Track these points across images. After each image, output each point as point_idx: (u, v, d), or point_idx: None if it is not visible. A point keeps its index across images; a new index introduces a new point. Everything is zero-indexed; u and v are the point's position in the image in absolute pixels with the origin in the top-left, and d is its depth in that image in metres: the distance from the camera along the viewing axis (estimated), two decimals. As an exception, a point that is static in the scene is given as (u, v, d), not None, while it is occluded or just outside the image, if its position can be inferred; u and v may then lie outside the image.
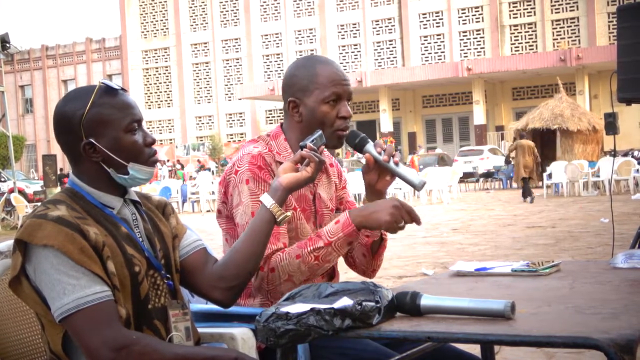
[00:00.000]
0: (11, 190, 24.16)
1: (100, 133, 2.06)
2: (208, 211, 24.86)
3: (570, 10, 46.35)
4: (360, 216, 2.37)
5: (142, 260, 2.08)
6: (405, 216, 2.32)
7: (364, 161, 2.53)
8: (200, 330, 2.29)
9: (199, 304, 2.52)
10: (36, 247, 1.95)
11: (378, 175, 2.51)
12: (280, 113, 50.46)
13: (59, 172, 32.05)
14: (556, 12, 46.71)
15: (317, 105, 2.53)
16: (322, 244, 2.37)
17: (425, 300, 1.85)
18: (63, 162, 43.38)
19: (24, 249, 1.97)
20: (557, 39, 46.39)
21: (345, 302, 1.79)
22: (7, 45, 23.91)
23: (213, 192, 25.39)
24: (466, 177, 32.17)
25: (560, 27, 46.66)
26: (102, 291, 1.94)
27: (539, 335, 1.61)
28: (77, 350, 1.99)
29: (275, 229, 2.29)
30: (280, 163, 2.52)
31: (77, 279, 1.92)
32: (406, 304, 1.86)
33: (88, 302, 1.91)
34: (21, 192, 25.42)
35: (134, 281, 2.04)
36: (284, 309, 1.79)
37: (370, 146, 2.41)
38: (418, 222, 2.36)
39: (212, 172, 42.41)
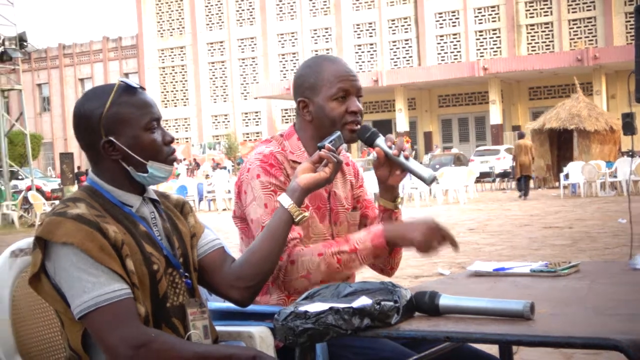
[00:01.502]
0: (29, 188, 24.31)
1: (119, 131, 2.07)
2: (224, 210, 24.90)
3: (587, 10, 46.14)
4: (393, 231, 2.37)
5: (161, 259, 2.08)
6: (439, 239, 2.31)
7: None
8: (218, 328, 2.29)
9: (216, 302, 2.53)
10: (56, 244, 1.95)
11: (389, 170, 2.51)
12: (296, 112, 50.43)
13: (76, 170, 32.21)
14: (573, 12, 46.50)
15: (326, 103, 2.53)
16: (347, 249, 2.37)
17: (444, 300, 1.85)
18: (80, 160, 43.58)
19: (44, 247, 1.98)
20: (574, 39, 46.18)
21: (364, 301, 1.79)
22: (25, 43, 24.07)
23: (229, 191, 25.45)
24: (482, 177, 32.08)
25: (577, 27, 46.45)
26: (122, 289, 1.95)
27: (559, 336, 1.60)
28: (97, 347, 1.99)
29: (288, 235, 2.28)
30: (294, 162, 2.54)
31: (96, 277, 1.93)
32: (424, 304, 1.86)
33: (107, 300, 1.92)
34: (39, 190, 25.58)
35: (153, 279, 2.05)
36: (303, 308, 1.79)
37: (380, 140, 2.40)
38: (455, 245, 2.32)
39: (228, 170, 42.49)
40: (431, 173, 2.31)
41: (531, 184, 28.89)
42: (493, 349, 2.54)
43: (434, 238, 2.31)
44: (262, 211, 2.44)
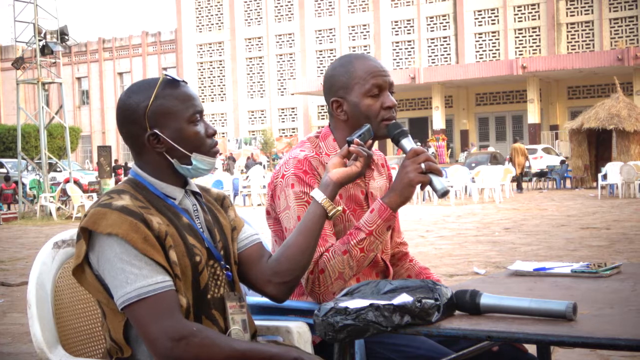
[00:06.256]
0: (67, 180, 24.55)
1: (164, 124, 2.09)
2: (259, 205, 24.96)
3: (629, 9, 45.59)
4: (391, 197, 2.36)
5: (203, 251, 2.09)
6: (422, 162, 2.30)
7: None
8: (256, 322, 2.30)
9: (255, 297, 2.53)
10: (100, 235, 1.97)
11: None
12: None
13: (113, 164, 32.47)
14: (614, 11, 45.99)
15: (360, 100, 2.52)
16: (364, 235, 2.36)
17: (485, 299, 1.84)
18: (117, 154, 43.94)
19: (88, 238, 2.00)
20: (614, 38, 45.67)
21: (404, 298, 1.79)
22: (66, 37, 24.30)
23: (264, 187, 25.50)
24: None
25: (619, 26, 45.92)
26: (164, 281, 1.96)
27: (602, 338, 1.58)
28: (138, 338, 2.01)
29: (322, 231, 2.28)
30: None
31: (139, 268, 1.95)
32: (466, 303, 1.85)
33: (150, 292, 1.94)
34: (76, 183, 25.80)
35: (195, 271, 2.06)
36: (343, 304, 1.79)
37: (405, 140, 2.39)
38: (438, 171, 2.31)
39: (264, 166, 42.63)
40: (444, 186, 2.29)
41: (567, 183, 28.87)
42: (530, 349, 2.53)
43: (417, 168, 2.29)
44: (294, 223, 2.45)
